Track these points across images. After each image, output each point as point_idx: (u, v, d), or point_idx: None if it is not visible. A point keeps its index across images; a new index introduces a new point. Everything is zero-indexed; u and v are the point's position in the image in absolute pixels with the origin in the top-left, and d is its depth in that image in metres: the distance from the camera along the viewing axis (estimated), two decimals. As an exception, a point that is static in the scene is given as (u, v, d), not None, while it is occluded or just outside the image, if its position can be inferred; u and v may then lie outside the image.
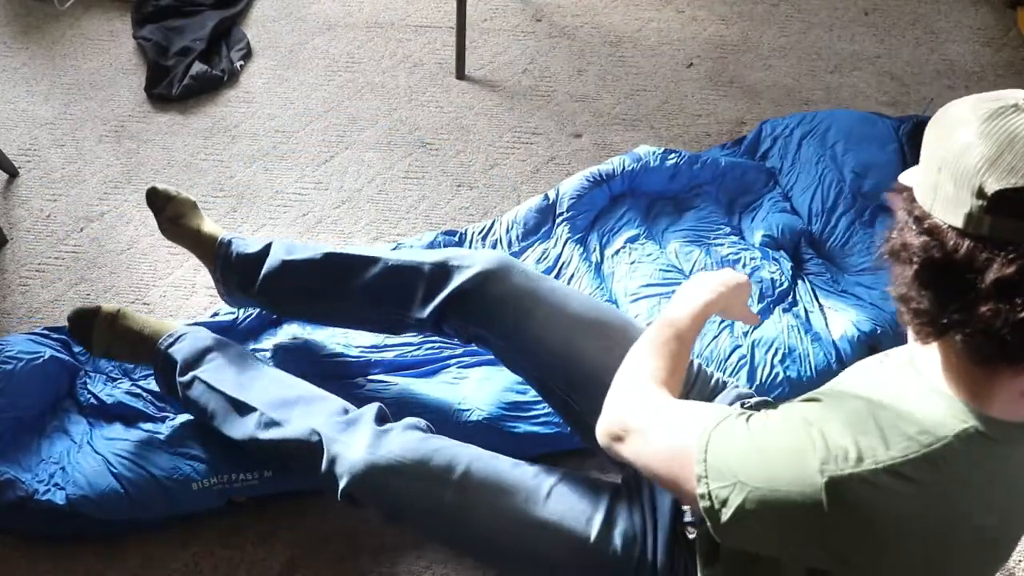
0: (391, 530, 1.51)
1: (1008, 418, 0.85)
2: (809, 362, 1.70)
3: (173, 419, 1.66)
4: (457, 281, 1.47)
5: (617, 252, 1.93)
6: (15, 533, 1.55)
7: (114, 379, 1.72)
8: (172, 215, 1.72)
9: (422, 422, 1.40)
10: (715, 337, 1.75)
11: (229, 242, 1.68)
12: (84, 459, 1.56)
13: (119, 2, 2.72)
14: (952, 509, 0.85)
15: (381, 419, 1.41)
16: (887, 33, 2.58)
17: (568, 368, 1.41)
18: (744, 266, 1.88)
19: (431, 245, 1.95)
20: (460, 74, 2.47)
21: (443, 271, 1.50)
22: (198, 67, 2.44)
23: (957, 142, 0.80)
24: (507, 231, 1.99)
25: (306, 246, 1.66)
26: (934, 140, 0.84)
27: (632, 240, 1.94)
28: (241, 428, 1.47)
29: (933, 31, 2.58)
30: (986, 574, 0.96)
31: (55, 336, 1.74)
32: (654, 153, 2.04)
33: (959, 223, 0.79)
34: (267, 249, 1.65)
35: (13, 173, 2.22)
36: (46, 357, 1.67)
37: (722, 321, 1.76)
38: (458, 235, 1.99)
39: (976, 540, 0.89)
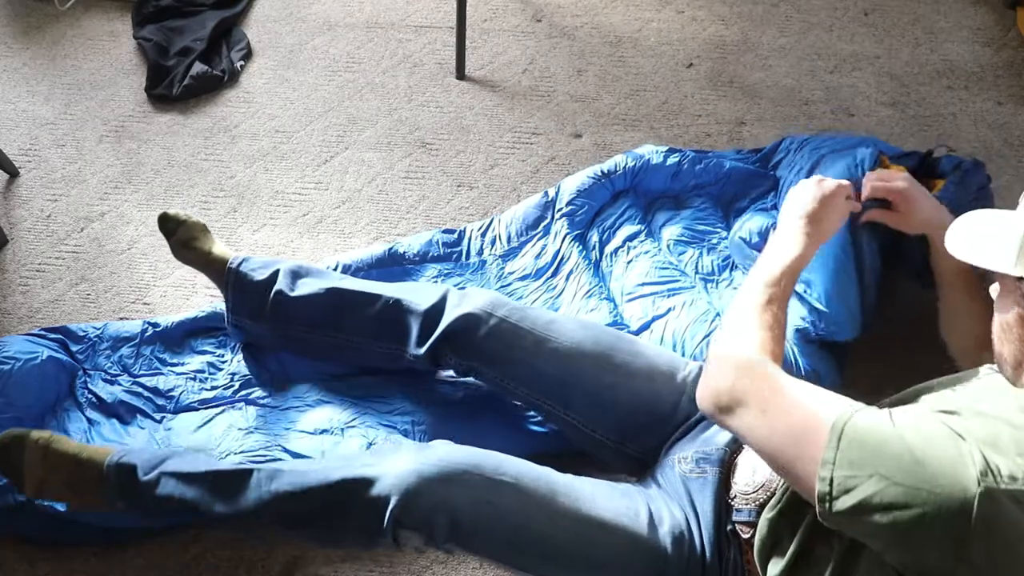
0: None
1: None
2: None
3: (172, 418, 1.67)
4: (448, 320, 1.53)
5: (616, 250, 1.93)
6: (15, 536, 1.55)
7: (115, 376, 1.73)
8: (183, 239, 1.75)
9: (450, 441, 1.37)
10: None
11: (238, 267, 1.70)
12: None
13: (119, 2, 2.72)
14: None
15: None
16: (887, 33, 2.58)
17: (565, 393, 1.46)
18: (734, 269, 1.88)
19: (430, 243, 1.96)
20: (460, 74, 2.47)
21: (438, 311, 1.56)
22: (198, 67, 2.44)
23: None
24: (506, 227, 1.99)
25: (311, 273, 1.69)
26: None
27: (631, 238, 1.93)
28: (242, 498, 1.33)
29: (933, 31, 2.58)
30: None
31: (52, 336, 1.74)
32: (657, 151, 2.04)
33: None
34: (274, 277, 1.68)
35: (14, 173, 2.23)
36: (44, 357, 1.67)
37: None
38: (457, 233, 1.99)
39: None
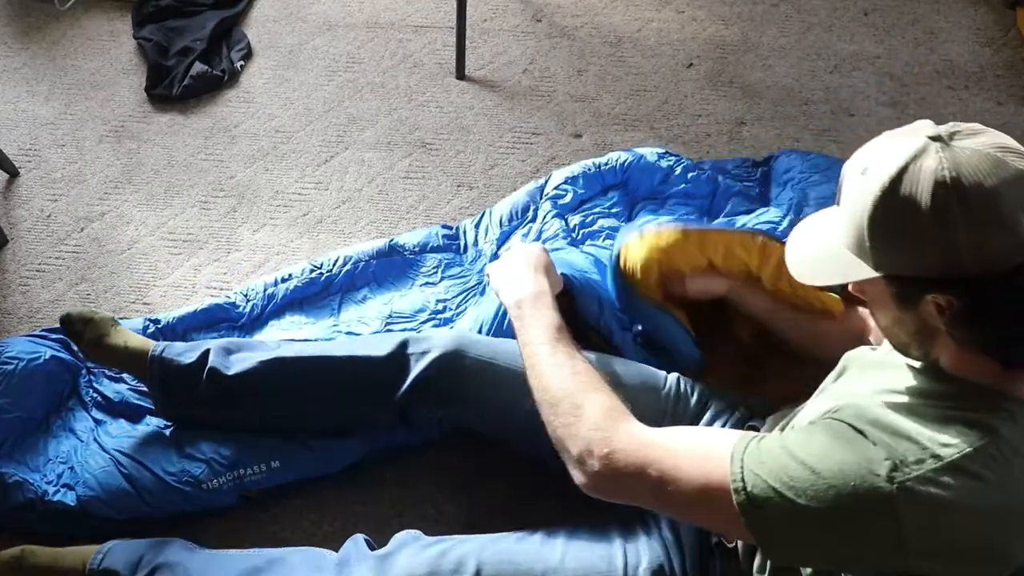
0: (392, 529, 1.51)
1: None
2: None
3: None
4: (416, 370, 1.44)
5: (594, 234, 1.92)
6: (24, 532, 1.54)
7: (119, 375, 1.72)
8: (94, 337, 1.59)
9: (412, 531, 1.35)
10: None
11: (161, 354, 1.56)
12: (92, 458, 1.56)
13: (119, 2, 2.72)
14: (1013, 492, 0.89)
15: (370, 547, 1.35)
16: (887, 33, 2.58)
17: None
18: None
19: (429, 235, 1.97)
20: (460, 74, 2.47)
21: (400, 361, 1.46)
22: (198, 67, 2.44)
23: None
24: (499, 214, 2.00)
25: (244, 347, 1.57)
26: None
27: (612, 231, 1.92)
28: None
29: (933, 31, 2.58)
30: None
31: (53, 337, 1.74)
32: (653, 152, 2.04)
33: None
34: (204, 357, 1.54)
35: (14, 173, 2.23)
36: (47, 357, 1.67)
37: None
38: (455, 229, 2.01)
39: None
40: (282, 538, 1.54)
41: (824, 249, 0.99)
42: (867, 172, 0.92)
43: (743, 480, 0.94)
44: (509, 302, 1.35)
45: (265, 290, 1.86)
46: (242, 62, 2.51)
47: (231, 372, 1.52)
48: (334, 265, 1.90)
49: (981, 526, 0.89)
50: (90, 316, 1.60)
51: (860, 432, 0.92)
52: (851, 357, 1.14)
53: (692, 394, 1.42)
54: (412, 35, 2.61)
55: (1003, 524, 0.90)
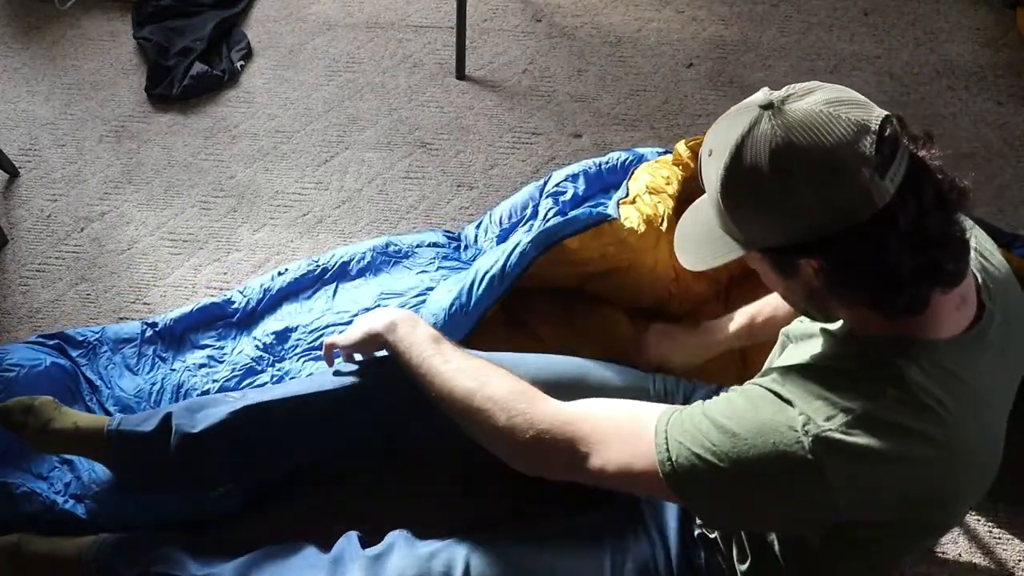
0: (385, 529, 1.50)
1: (936, 336, 0.94)
2: None
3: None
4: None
5: None
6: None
7: (119, 376, 1.72)
8: (38, 426, 1.43)
9: (404, 532, 1.34)
10: None
11: (118, 427, 1.43)
12: (98, 467, 1.54)
13: (119, 2, 2.72)
14: (931, 435, 0.91)
15: (363, 545, 1.34)
16: (887, 33, 2.58)
17: None
18: None
19: (427, 236, 1.96)
20: (460, 74, 2.47)
21: (372, 388, 1.39)
22: (198, 67, 2.44)
23: None
24: (499, 213, 1.99)
25: (207, 404, 1.44)
26: None
27: None
28: None
29: (933, 31, 2.58)
30: (974, 485, 1.00)
31: (51, 343, 1.73)
32: (654, 152, 2.04)
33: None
34: (167, 422, 1.41)
35: (14, 173, 2.23)
36: (47, 364, 1.66)
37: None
38: (457, 233, 2.00)
39: (961, 456, 0.94)
40: (279, 534, 1.54)
41: (703, 233, 1.02)
42: (713, 153, 0.95)
43: (668, 450, 0.96)
44: (380, 327, 1.32)
45: (261, 286, 1.85)
46: (242, 62, 2.51)
47: (197, 430, 1.39)
48: (330, 260, 1.89)
49: (902, 472, 0.91)
50: (29, 403, 1.44)
51: (776, 395, 0.95)
52: (788, 330, 1.16)
53: (677, 392, 1.43)
54: (412, 35, 2.61)
55: (926, 468, 0.92)
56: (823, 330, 1.03)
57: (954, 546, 1.54)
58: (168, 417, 1.41)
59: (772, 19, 2.64)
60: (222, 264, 2.02)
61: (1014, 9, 2.59)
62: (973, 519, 1.57)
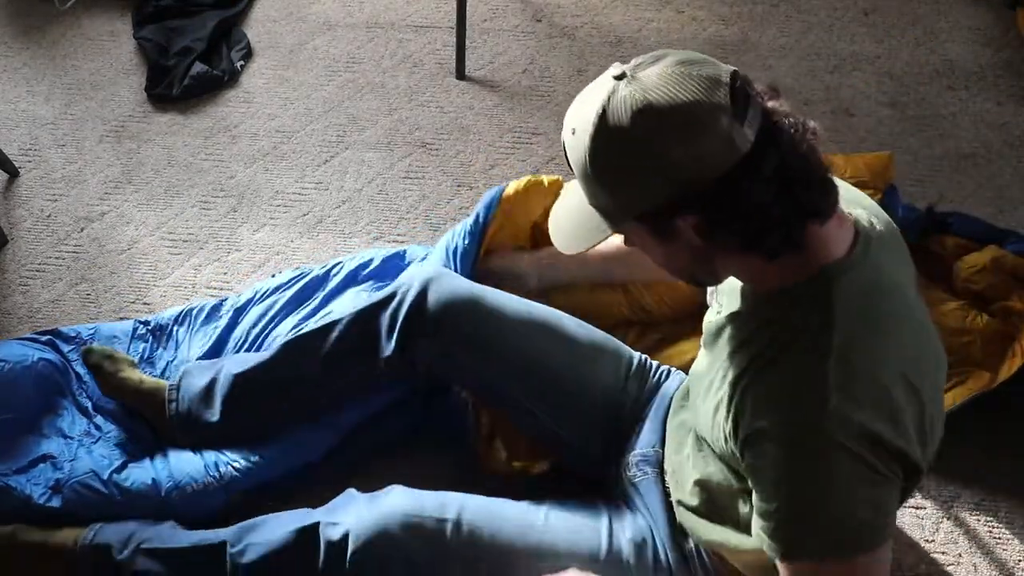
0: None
1: (836, 256, 0.98)
2: None
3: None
4: (408, 300, 1.46)
5: None
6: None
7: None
8: (112, 370, 1.64)
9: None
10: None
11: (178, 384, 1.61)
12: (80, 463, 1.55)
13: (119, 2, 2.72)
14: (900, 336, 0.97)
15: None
16: (887, 33, 2.58)
17: (542, 376, 1.42)
18: None
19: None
20: (460, 74, 2.47)
21: (393, 299, 1.48)
22: (198, 67, 2.44)
23: None
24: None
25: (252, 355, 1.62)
26: None
27: None
28: (218, 572, 1.35)
29: (933, 31, 2.58)
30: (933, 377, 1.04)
31: (43, 339, 1.73)
32: None
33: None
34: (216, 372, 1.59)
35: (14, 173, 2.23)
36: (35, 359, 1.66)
37: None
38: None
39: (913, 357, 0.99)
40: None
41: (575, 214, 1.03)
42: (576, 131, 0.97)
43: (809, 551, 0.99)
44: None
45: (256, 291, 1.84)
46: (242, 62, 2.51)
47: (239, 370, 1.56)
48: (326, 269, 1.86)
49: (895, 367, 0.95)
50: (110, 352, 1.65)
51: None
52: (703, 338, 1.18)
53: (652, 370, 1.46)
54: (412, 35, 2.61)
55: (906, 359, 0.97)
56: (743, 294, 1.06)
57: (954, 546, 1.54)
58: (220, 368, 1.60)
59: (772, 19, 2.64)
60: (222, 264, 2.02)
61: (1014, 9, 2.59)
62: (973, 519, 1.57)
